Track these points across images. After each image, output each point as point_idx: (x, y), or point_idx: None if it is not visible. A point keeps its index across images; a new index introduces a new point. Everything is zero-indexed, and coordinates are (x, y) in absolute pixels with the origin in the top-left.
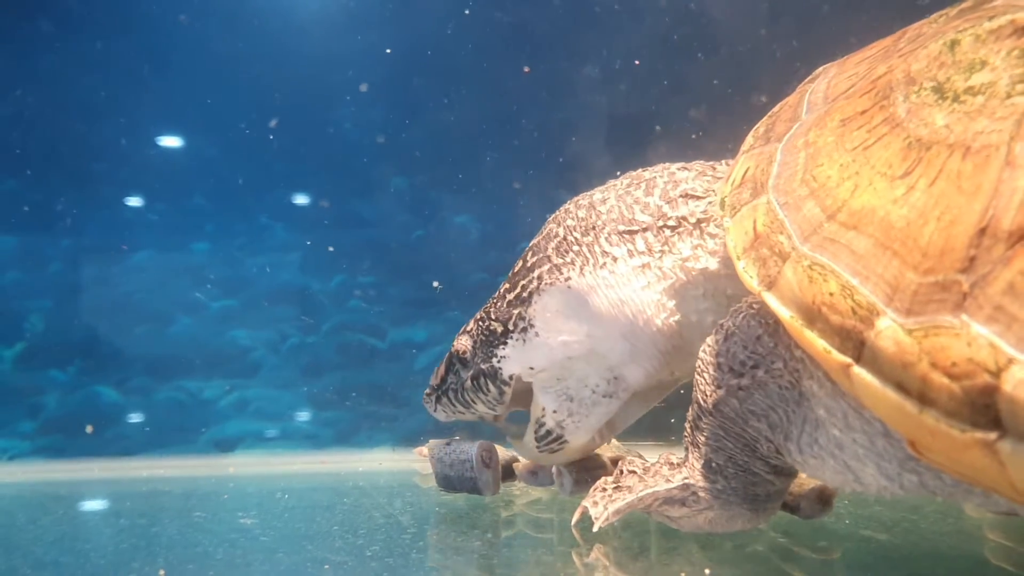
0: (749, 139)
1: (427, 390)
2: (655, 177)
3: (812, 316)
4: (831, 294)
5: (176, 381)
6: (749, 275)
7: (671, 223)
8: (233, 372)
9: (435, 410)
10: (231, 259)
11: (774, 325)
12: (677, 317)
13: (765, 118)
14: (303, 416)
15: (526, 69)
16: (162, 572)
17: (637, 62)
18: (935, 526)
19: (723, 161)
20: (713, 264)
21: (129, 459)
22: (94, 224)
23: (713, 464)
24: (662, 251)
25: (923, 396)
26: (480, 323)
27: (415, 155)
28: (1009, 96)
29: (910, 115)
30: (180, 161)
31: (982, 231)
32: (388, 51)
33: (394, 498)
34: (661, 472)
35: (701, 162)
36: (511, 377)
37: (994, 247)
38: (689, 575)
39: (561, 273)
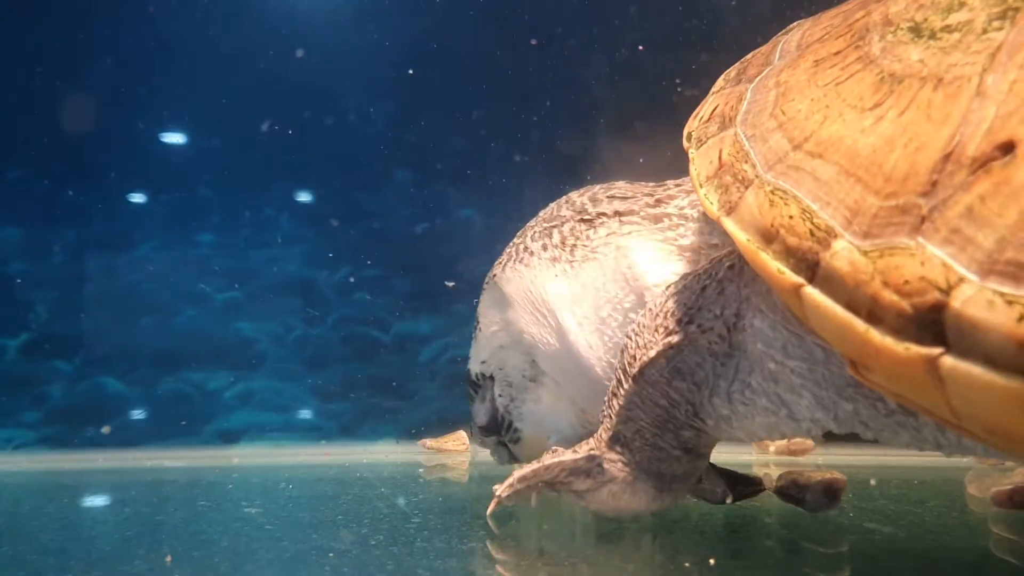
0: (720, 82)
1: None
2: (599, 186)
3: (769, 238)
4: (790, 217)
5: (180, 372)
6: (710, 201)
7: (587, 217)
8: (238, 364)
9: None
10: (236, 251)
11: (727, 271)
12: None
13: (737, 64)
14: (307, 408)
15: (533, 42)
16: (168, 558)
17: (641, 47)
18: (939, 519)
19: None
20: (625, 243)
21: (133, 450)
22: (99, 215)
23: (621, 437)
24: (574, 244)
25: (871, 314)
26: None
27: (420, 148)
28: (985, 32)
29: (885, 52)
30: (185, 153)
31: (946, 157)
32: (392, 45)
33: (398, 489)
34: (575, 448)
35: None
36: (477, 376)
37: (957, 172)
38: (693, 565)
39: (493, 273)
